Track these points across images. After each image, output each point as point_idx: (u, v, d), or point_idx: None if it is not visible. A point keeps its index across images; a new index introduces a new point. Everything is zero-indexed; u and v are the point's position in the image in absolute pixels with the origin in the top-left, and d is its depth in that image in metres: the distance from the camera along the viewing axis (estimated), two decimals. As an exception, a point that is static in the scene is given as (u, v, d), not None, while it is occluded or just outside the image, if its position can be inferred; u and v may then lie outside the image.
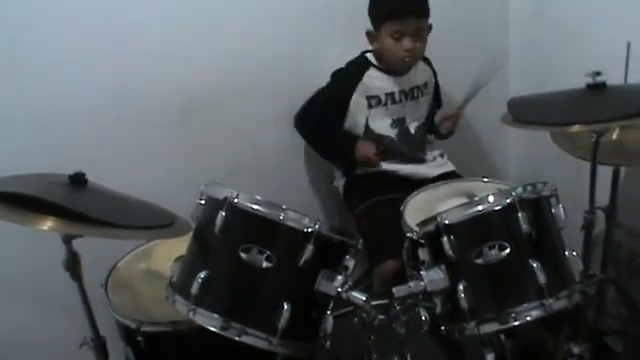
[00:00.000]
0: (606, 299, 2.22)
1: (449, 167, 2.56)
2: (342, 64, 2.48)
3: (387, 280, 2.14)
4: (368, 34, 2.38)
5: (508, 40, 2.90)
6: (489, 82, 2.38)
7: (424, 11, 2.32)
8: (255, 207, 1.52)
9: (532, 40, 2.78)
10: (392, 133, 2.48)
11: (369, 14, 2.36)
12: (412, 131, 2.52)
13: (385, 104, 2.44)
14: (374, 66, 2.44)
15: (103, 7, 2.22)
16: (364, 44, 2.41)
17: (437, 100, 2.66)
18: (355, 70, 2.45)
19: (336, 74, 2.49)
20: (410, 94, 2.48)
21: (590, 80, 1.70)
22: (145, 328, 1.77)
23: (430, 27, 2.37)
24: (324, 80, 2.50)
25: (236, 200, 1.52)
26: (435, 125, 2.60)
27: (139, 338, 1.78)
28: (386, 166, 2.49)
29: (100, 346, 1.81)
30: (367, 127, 2.46)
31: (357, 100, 2.43)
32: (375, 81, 2.43)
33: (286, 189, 2.49)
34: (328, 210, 2.72)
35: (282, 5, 2.49)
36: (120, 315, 1.82)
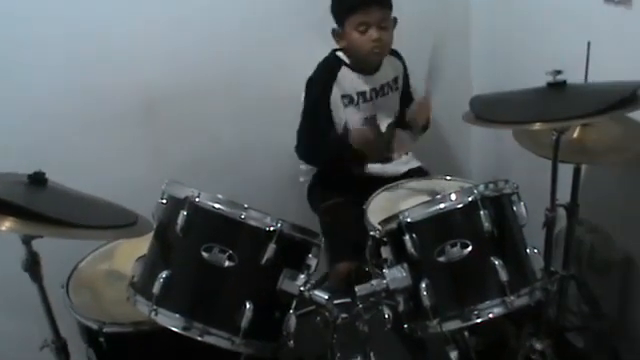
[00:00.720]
0: (567, 296, 2.24)
1: (415, 163, 2.56)
2: (307, 63, 2.44)
3: (341, 281, 2.15)
4: (334, 33, 2.36)
5: (469, 40, 2.92)
6: (443, 62, 2.36)
7: (386, 1, 2.31)
8: (217, 206, 1.52)
9: (494, 39, 2.80)
10: None
11: (332, 12, 2.35)
12: (383, 129, 2.50)
13: (357, 103, 2.42)
14: (346, 65, 2.41)
15: (68, 9, 2.22)
16: (331, 43, 2.40)
17: (407, 95, 2.62)
18: (328, 70, 2.41)
19: (310, 81, 2.42)
20: (381, 91, 2.47)
21: (551, 79, 1.71)
22: (107, 329, 1.75)
23: (395, 20, 2.36)
24: (288, 78, 2.49)
25: (197, 199, 1.52)
26: (410, 119, 2.54)
27: (101, 339, 1.76)
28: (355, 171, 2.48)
29: (61, 348, 1.80)
30: (345, 126, 2.43)
31: (335, 99, 2.40)
32: (348, 80, 2.41)
33: (249, 188, 2.49)
34: (291, 209, 2.71)
35: (246, 5, 2.48)
36: (81, 316, 1.80)
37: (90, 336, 1.81)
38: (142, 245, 1.69)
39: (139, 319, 1.72)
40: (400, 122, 2.57)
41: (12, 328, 2.30)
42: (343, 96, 2.40)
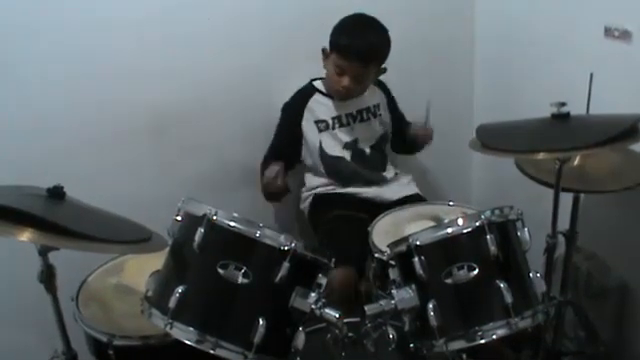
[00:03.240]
0: (564, 321, 2.29)
1: (412, 189, 2.59)
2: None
3: (340, 288, 2.12)
4: (323, 51, 2.42)
5: (473, 69, 2.98)
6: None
7: (373, 60, 2.37)
8: (233, 224, 1.56)
9: (497, 69, 2.87)
10: (346, 155, 2.52)
11: (330, 35, 2.39)
12: (367, 152, 2.56)
13: (333, 127, 2.49)
14: (319, 91, 2.50)
15: (83, 27, 2.26)
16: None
17: (399, 118, 2.68)
18: (300, 98, 2.51)
19: (284, 106, 2.55)
20: (359, 116, 2.53)
21: (555, 110, 1.77)
22: (117, 342, 1.77)
23: (384, 70, 2.43)
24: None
25: (215, 217, 1.55)
26: (410, 138, 2.62)
27: (110, 352, 1.78)
28: (349, 189, 2.54)
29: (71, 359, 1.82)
30: (321, 150, 2.50)
31: (307, 126, 2.49)
32: (321, 106, 2.49)
33: (254, 206, 2.53)
34: (294, 228, 2.75)
35: (251, 26, 2.52)
36: (91, 328, 1.82)
37: (99, 348, 1.83)
38: (150, 260, 1.71)
39: (147, 333, 1.75)
40: (397, 143, 2.65)
41: (21, 338, 2.32)
42: (317, 122, 2.48)
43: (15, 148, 2.23)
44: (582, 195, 2.12)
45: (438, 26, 2.82)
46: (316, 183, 2.57)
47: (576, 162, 2.07)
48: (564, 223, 2.08)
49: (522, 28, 2.64)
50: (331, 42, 2.38)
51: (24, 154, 2.24)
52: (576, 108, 1.83)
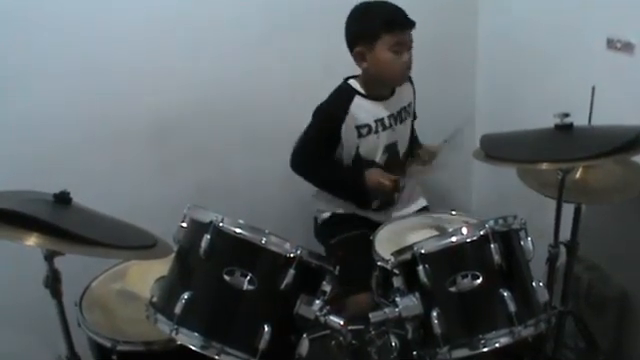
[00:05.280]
0: (564, 331, 2.30)
1: (422, 202, 2.56)
2: (318, 89, 2.38)
3: (360, 311, 2.05)
4: (357, 53, 2.28)
5: (475, 80, 3.01)
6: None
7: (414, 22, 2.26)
8: (238, 231, 1.57)
9: (499, 80, 2.89)
10: (382, 160, 2.42)
11: (358, 29, 2.28)
12: (401, 156, 2.47)
13: (376, 131, 2.36)
14: (359, 94, 2.35)
15: (88, 30, 2.28)
16: (341, 71, 2.39)
17: (413, 120, 2.58)
18: (340, 103, 2.34)
19: (320, 111, 2.35)
20: (399, 117, 2.41)
21: (558, 121, 1.78)
22: (120, 347, 1.78)
23: None
24: (299, 105, 2.44)
25: (221, 224, 1.56)
26: (417, 153, 2.56)
27: (114, 357, 1.78)
28: (362, 213, 2.49)
29: (75, 364, 1.82)
30: (357, 155, 2.38)
31: (347, 131, 2.33)
32: (363, 109, 2.34)
33: (255, 213, 2.50)
34: (296, 235, 2.75)
35: (251, 31, 2.54)
36: (95, 334, 1.82)
37: (102, 354, 1.83)
38: (153, 266, 1.74)
39: (150, 339, 1.76)
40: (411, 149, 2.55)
41: (23, 343, 2.34)
42: (359, 127, 2.33)
43: (19, 150, 2.27)
44: (583, 206, 2.13)
45: (440, 36, 2.82)
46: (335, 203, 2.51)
47: (578, 175, 2.08)
48: (565, 233, 2.09)
49: (524, 39, 2.66)
50: (369, 31, 2.24)
51: (27, 156, 2.27)
52: (578, 119, 1.83)
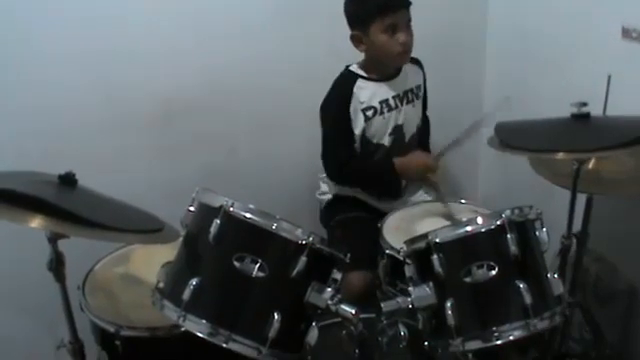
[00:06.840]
0: (571, 323, 2.28)
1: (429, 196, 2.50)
2: (325, 74, 2.38)
3: (354, 292, 2.09)
4: (353, 37, 2.28)
5: (485, 69, 2.98)
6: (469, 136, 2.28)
7: (409, 1, 2.25)
8: (249, 216, 1.53)
9: (509, 68, 2.85)
10: (387, 141, 2.39)
11: (352, 14, 2.27)
12: (406, 140, 2.44)
13: (382, 112, 2.34)
14: (361, 77, 2.34)
15: (92, 11, 2.25)
16: (350, 55, 2.37)
17: (425, 105, 2.55)
18: (343, 89, 2.34)
19: (324, 106, 2.35)
20: (405, 98, 2.39)
21: (575, 110, 1.75)
22: (124, 332, 1.75)
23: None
24: (306, 90, 2.44)
25: (231, 209, 1.53)
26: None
27: (117, 342, 1.76)
28: (367, 199, 2.47)
29: (78, 349, 1.79)
30: (363, 137, 2.36)
31: (353, 115, 2.32)
32: (366, 91, 2.33)
33: (262, 198, 2.47)
34: (304, 221, 2.73)
35: (266, 13, 2.51)
36: (98, 318, 1.79)
37: (105, 339, 1.81)
38: (157, 250, 1.70)
39: (155, 324, 1.73)
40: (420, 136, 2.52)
41: (25, 327, 2.31)
42: (365, 109, 2.32)
43: (24, 135, 2.23)
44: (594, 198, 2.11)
45: (449, 25, 2.81)
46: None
47: (591, 165, 2.05)
48: (576, 225, 2.06)
49: (537, 27, 2.63)
50: (362, 13, 2.24)
51: (31, 141, 2.24)
52: (592, 109, 1.80)
